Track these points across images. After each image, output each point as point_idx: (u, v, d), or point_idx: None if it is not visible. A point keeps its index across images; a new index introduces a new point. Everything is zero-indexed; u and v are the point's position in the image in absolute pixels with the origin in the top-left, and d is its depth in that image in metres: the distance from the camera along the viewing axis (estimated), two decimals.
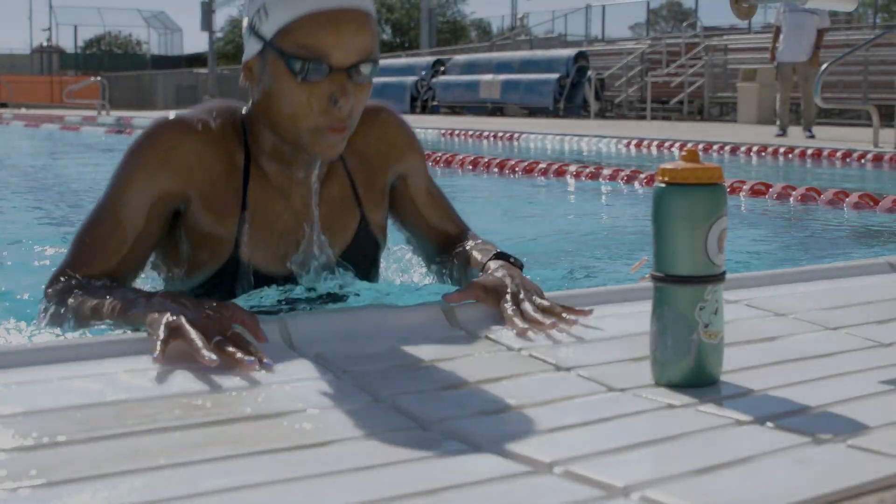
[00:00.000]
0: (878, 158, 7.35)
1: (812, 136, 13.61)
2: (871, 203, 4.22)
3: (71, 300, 2.09)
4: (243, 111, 2.37)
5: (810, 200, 4.19)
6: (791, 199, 4.29)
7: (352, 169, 2.45)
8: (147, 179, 2.24)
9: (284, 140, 2.23)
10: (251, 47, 2.21)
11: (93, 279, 2.16)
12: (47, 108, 46.49)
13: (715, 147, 8.38)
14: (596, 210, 5.13)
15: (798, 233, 4.23)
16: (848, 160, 7.47)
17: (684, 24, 34.61)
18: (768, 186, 4.46)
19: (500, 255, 2.32)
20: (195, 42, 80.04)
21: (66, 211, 5.65)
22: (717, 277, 1.66)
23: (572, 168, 5.64)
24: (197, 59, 65.36)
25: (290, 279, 2.39)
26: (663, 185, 1.66)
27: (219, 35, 59.56)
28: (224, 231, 2.30)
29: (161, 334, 1.74)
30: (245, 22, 2.25)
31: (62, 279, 2.18)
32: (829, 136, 13.62)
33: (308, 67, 2.09)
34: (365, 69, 2.15)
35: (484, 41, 58.95)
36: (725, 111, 25.39)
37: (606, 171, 5.38)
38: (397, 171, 2.53)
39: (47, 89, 57.32)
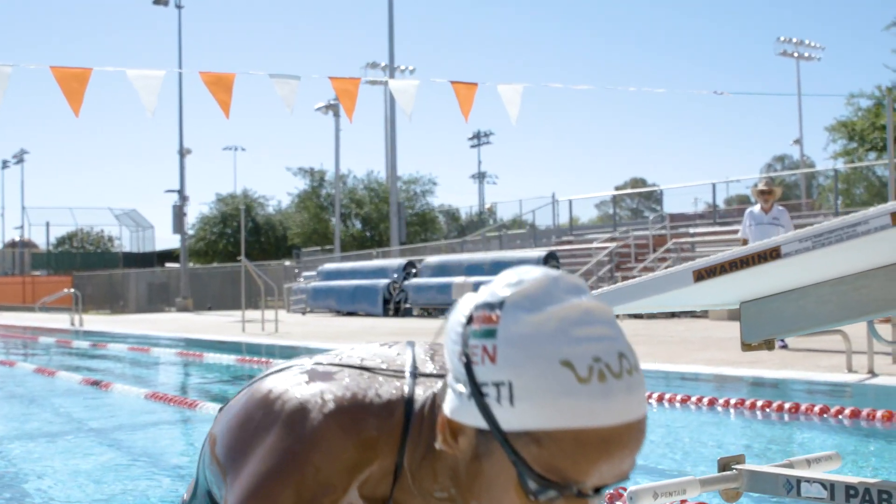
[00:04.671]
0: (855, 415, 7.40)
1: (785, 346, 13.71)
2: None
3: None
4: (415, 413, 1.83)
5: None
6: None
7: None
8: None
9: None
10: (465, 408, 1.58)
11: None
12: (20, 311, 46.63)
13: (693, 399, 8.39)
14: None
15: None
16: (825, 415, 7.52)
17: (651, 217, 35.27)
18: None
19: None
20: (167, 235, 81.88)
21: None
22: None
23: None
24: (169, 255, 65.88)
25: None
26: None
27: (190, 233, 60.07)
28: None
29: None
30: (454, 349, 1.61)
31: None
32: (801, 346, 13.72)
33: (548, 492, 1.53)
34: (612, 487, 1.57)
35: (453, 229, 59.74)
36: None
37: None
38: None
39: (20, 290, 57.60)
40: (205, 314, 39.37)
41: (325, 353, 2.09)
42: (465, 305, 1.62)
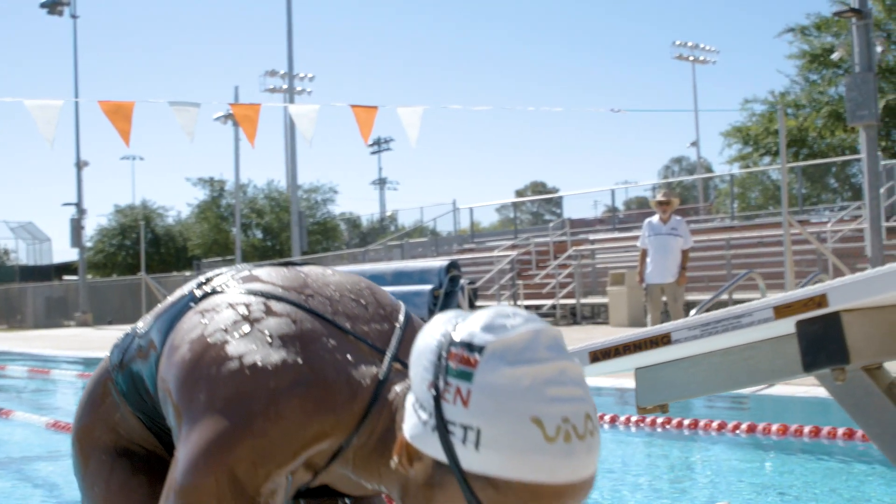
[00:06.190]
0: (751, 429, 7.58)
1: None
2: None
3: None
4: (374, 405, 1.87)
5: None
6: None
7: None
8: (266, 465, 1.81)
9: None
10: (427, 438, 1.61)
11: None
12: None
13: (607, 419, 8.52)
14: None
15: None
16: (723, 430, 7.69)
17: (552, 223, 35.60)
18: None
19: None
20: (65, 248, 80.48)
21: None
22: None
23: None
24: (67, 268, 64.73)
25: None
26: None
27: (89, 245, 59.14)
28: None
29: None
30: (424, 376, 1.63)
31: None
32: None
33: None
34: None
35: (354, 236, 59.67)
36: (598, 311, 25.96)
37: None
38: None
39: None
40: (105, 329, 38.83)
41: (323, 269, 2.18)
42: (439, 328, 1.65)
